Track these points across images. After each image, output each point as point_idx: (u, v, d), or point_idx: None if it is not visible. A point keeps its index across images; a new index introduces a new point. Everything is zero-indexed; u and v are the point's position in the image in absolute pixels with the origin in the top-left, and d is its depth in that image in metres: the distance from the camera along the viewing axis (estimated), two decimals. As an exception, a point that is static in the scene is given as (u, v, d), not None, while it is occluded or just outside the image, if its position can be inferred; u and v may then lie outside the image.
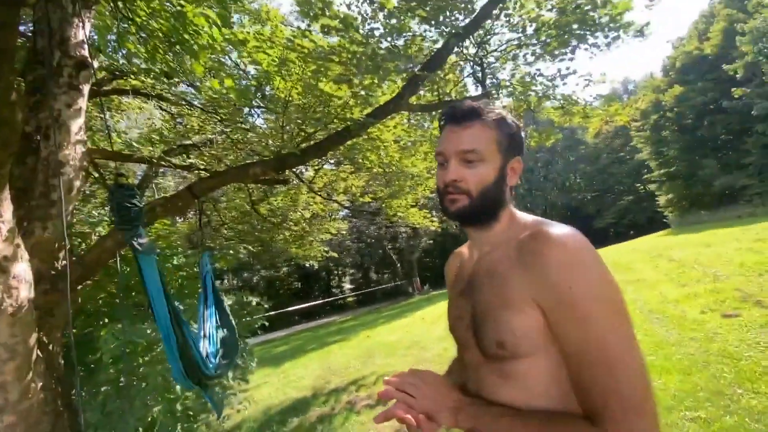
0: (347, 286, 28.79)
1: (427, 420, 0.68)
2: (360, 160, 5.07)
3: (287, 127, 3.71)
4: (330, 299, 23.91)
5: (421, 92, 4.03)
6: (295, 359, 8.20)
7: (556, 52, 3.92)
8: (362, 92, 3.34)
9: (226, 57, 3.75)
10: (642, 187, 29.45)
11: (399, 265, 24.08)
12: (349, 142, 4.00)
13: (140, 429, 2.70)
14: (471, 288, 0.78)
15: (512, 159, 0.78)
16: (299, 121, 3.79)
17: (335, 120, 3.52)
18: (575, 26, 3.65)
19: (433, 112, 3.78)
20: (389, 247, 23.21)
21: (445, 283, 0.95)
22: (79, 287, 2.89)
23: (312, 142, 3.75)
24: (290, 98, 3.49)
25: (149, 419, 2.80)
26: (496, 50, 4.20)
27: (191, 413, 3.15)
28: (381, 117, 3.22)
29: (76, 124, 2.95)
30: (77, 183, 2.91)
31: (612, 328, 0.60)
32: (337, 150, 4.41)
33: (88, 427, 2.55)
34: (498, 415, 0.66)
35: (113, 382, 2.80)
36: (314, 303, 21.27)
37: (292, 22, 4.64)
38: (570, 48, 3.86)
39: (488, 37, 4.05)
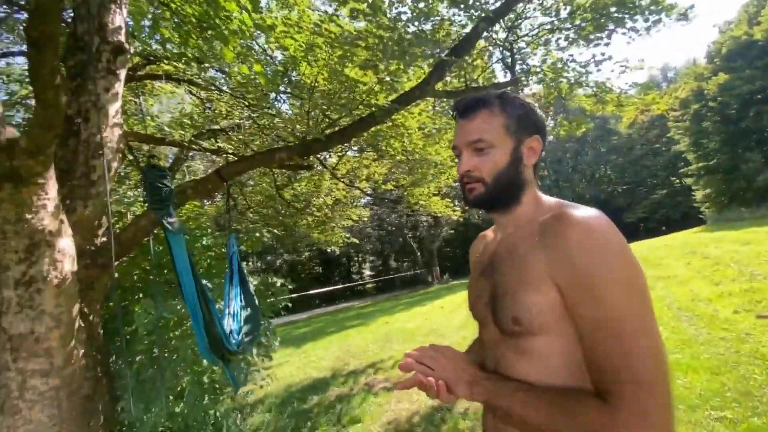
0: (367, 272, 29.08)
1: (445, 390, 0.71)
2: (383, 147, 5.06)
3: (312, 113, 3.74)
4: (350, 284, 24.26)
5: (448, 78, 3.96)
6: (315, 341, 8.43)
7: (591, 37, 3.75)
8: (388, 78, 3.31)
9: (254, 42, 3.79)
10: (677, 180, 27.98)
11: (419, 253, 24.07)
12: (372, 129, 4.00)
13: (171, 397, 2.87)
14: (492, 267, 0.79)
15: (528, 139, 0.78)
16: (324, 107, 3.81)
17: (360, 106, 3.52)
18: (613, 9, 3.47)
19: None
20: (410, 235, 23.20)
21: (469, 265, 0.97)
22: (116, 263, 3.05)
23: (336, 128, 3.77)
24: (316, 84, 3.51)
25: (179, 389, 2.98)
26: (527, 35, 4.06)
27: (217, 386, 3.31)
28: (406, 103, 3.19)
29: (114, 108, 3.07)
30: (115, 164, 3.05)
31: (628, 308, 0.60)
32: (361, 136, 4.42)
33: (124, 393, 2.74)
34: (513, 390, 0.68)
35: (147, 353, 2.97)
36: (334, 287, 21.67)
37: (318, 7, 4.62)
38: (606, 33, 3.69)
39: (519, 21, 3.92)
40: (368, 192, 8.78)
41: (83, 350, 2.52)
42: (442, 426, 3.11)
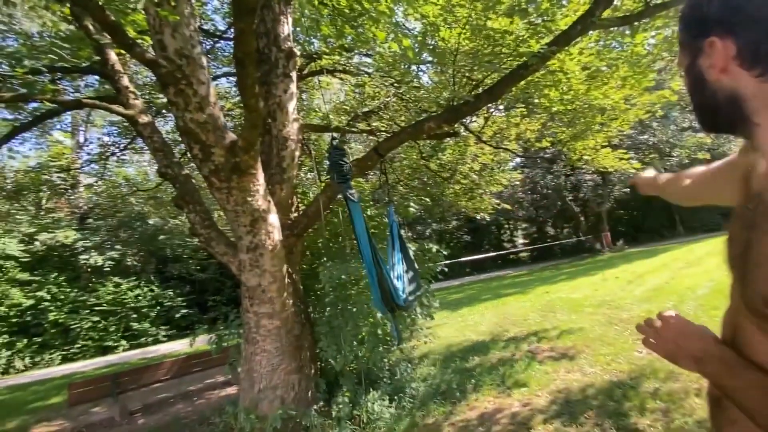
0: (520, 240, 27.48)
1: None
2: (536, 100, 4.55)
3: (456, 78, 3.66)
4: (503, 252, 23.45)
5: (617, 1, 3.27)
6: (471, 306, 8.58)
7: None
8: (539, 20, 2.94)
9: (395, 17, 3.89)
10: None
11: (582, 218, 21.26)
12: (522, 82, 3.65)
13: (354, 343, 3.41)
14: (751, 218, 0.57)
15: (703, 44, 0.56)
16: (467, 68, 3.66)
17: (508, 59, 3.25)
18: None
19: (635, 24, 2.98)
20: (570, 198, 20.64)
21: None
22: (306, 234, 3.73)
23: (482, 89, 3.59)
24: (458, 45, 3.40)
25: (360, 336, 3.51)
26: None
27: (389, 338, 3.77)
28: (566, 43, 2.76)
29: (291, 106, 3.67)
30: (297, 153, 3.67)
31: None
32: (510, 92, 4.08)
33: (320, 336, 3.40)
34: (758, 379, 0.53)
35: (333, 306, 3.59)
36: (485, 255, 21.31)
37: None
38: None
39: None
40: (519, 153, 8.16)
41: (291, 300, 3.23)
42: (624, 402, 2.79)
